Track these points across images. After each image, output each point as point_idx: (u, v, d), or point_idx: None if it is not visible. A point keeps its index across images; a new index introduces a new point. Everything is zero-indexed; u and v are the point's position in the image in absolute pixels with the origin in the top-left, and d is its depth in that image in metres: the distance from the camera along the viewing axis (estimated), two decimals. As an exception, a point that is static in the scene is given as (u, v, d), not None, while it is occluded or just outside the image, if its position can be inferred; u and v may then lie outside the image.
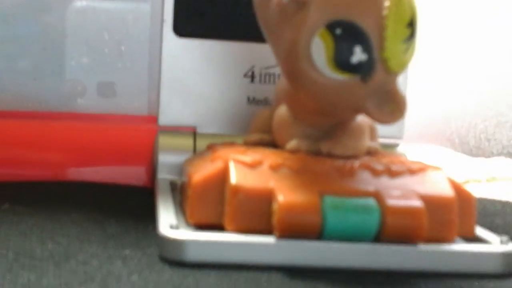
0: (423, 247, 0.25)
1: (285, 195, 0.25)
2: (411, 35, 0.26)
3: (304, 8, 0.26)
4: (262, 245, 0.25)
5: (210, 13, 0.34)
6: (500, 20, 0.62)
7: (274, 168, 0.26)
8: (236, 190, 0.25)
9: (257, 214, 0.25)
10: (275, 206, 0.25)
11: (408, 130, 0.36)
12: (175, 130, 0.34)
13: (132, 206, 0.32)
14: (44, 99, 0.41)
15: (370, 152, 0.30)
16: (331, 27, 0.25)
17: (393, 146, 0.36)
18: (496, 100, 0.62)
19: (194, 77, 0.34)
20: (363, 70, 0.25)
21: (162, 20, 0.34)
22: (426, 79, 0.61)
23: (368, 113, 0.26)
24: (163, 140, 0.34)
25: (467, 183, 0.46)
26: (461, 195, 0.27)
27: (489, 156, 0.60)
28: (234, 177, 0.26)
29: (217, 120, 0.34)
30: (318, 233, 0.25)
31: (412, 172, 0.27)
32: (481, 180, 0.47)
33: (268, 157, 0.27)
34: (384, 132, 0.33)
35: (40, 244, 0.26)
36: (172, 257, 0.25)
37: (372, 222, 0.25)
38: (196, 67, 0.34)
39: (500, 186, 0.46)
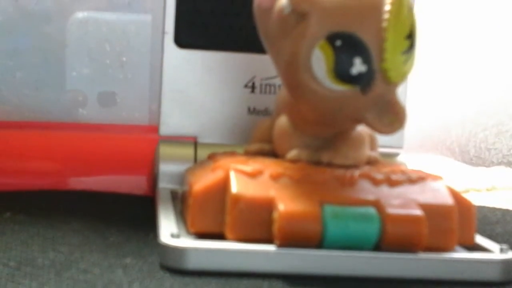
0: (423, 255, 0.25)
1: (286, 204, 0.25)
2: (411, 47, 0.26)
3: (304, 20, 0.26)
4: (263, 253, 0.25)
5: (211, 24, 0.34)
6: (500, 30, 0.62)
7: (275, 178, 0.26)
8: (237, 199, 0.25)
9: (257, 223, 0.25)
10: (275, 215, 0.25)
11: (409, 140, 0.36)
12: (176, 140, 0.34)
13: (133, 215, 0.33)
14: (46, 110, 0.41)
15: (370, 162, 0.30)
16: (331, 38, 0.25)
17: (393, 156, 0.36)
18: (496, 109, 0.62)
19: (195, 87, 0.34)
20: (363, 81, 0.26)
21: (163, 31, 0.34)
22: (426, 89, 0.61)
23: (368, 124, 0.27)
24: (164, 150, 0.34)
25: (468, 192, 0.46)
26: (461, 204, 0.27)
27: (489, 166, 0.60)
28: (234, 187, 0.26)
29: (217, 130, 0.35)
30: (319, 242, 0.25)
31: (412, 181, 0.27)
32: (481, 189, 0.47)
33: (269, 166, 0.27)
34: (384, 141, 0.33)
35: (41, 253, 0.26)
36: (173, 265, 0.25)
37: (372, 230, 0.25)
38: (197, 77, 0.34)
39: (500, 195, 0.46)
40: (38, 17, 0.42)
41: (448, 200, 0.27)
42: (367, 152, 0.29)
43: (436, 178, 0.28)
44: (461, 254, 0.26)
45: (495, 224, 0.36)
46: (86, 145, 0.38)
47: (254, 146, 0.31)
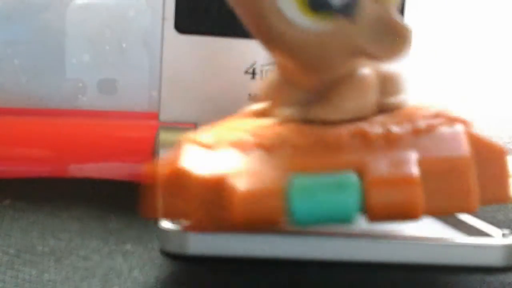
0: (422, 239, 0.25)
1: (238, 182, 0.21)
2: None
3: None
4: (269, 238, 0.24)
5: (211, 9, 0.34)
6: (503, 17, 0.62)
7: (239, 148, 0.23)
8: (182, 178, 0.22)
9: (213, 206, 0.22)
10: (227, 196, 0.21)
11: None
12: (175, 127, 0.34)
13: (133, 201, 0.32)
14: (45, 97, 0.41)
15: (385, 110, 0.25)
16: None
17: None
18: (498, 96, 0.62)
19: (195, 74, 0.34)
20: (347, 6, 0.22)
21: (163, 17, 0.34)
22: (426, 75, 0.61)
23: (367, 54, 0.22)
24: (164, 136, 0.34)
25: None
26: (486, 152, 0.22)
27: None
28: (184, 163, 0.22)
29: (218, 116, 0.34)
30: (285, 221, 0.21)
31: (417, 132, 0.22)
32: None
33: (238, 133, 0.24)
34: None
35: (41, 240, 0.26)
36: (174, 250, 0.24)
37: (348, 201, 0.21)
38: (197, 63, 0.34)
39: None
40: (37, 2, 0.41)
41: (460, 151, 0.21)
42: (375, 99, 0.24)
43: (454, 121, 0.23)
44: (462, 239, 0.26)
45: (496, 211, 0.35)
46: (86, 132, 0.38)
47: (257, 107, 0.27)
